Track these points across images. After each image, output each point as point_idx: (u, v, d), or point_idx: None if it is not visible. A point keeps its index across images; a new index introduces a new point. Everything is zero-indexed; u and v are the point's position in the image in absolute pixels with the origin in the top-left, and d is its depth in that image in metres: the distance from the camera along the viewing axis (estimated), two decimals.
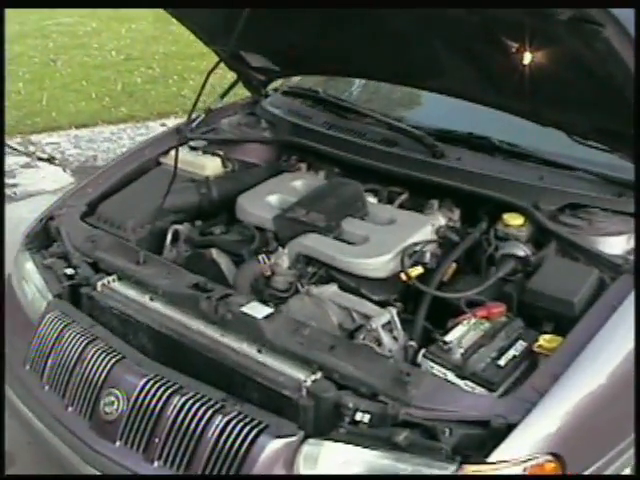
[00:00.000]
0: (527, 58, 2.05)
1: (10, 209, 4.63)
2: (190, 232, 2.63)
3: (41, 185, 5.46)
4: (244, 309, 2.15)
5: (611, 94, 2.09)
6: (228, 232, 2.62)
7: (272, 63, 3.21)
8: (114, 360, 2.12)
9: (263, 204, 2.64)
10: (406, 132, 2.84)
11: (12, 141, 6.15)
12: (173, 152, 3.03)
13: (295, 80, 3.50)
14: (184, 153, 3.03)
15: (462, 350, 2.00)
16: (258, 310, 2.16)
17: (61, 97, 7.31)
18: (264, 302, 2.35)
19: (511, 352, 2.03)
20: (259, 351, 2.07)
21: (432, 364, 2.00)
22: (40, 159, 5.94)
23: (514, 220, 2.46)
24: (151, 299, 2.32)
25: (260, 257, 2.37)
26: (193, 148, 3.06)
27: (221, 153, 3.03)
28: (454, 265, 2.38)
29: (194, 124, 3.25)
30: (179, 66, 8.29)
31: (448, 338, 2.04)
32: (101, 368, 2.12)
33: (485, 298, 2.21)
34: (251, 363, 2.05)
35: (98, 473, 2.03)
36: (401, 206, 2.69)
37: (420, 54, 2.57)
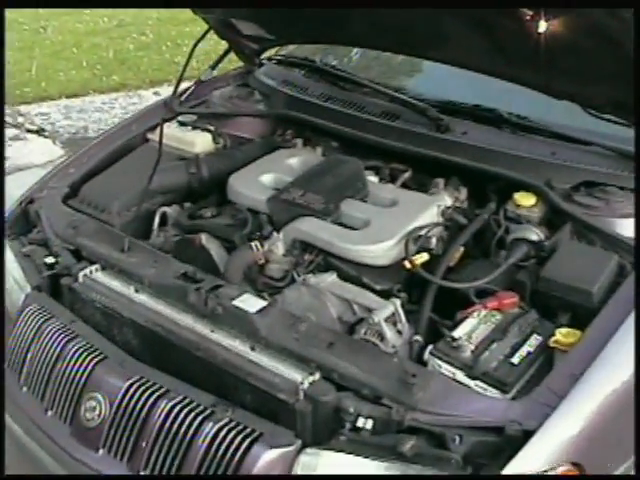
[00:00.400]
0: (542, 26, 1.86)
1: None
2: (179, 215, 2.46)
3: (30, 158, 5.29)
4: (236, 302, 1.99)
5: (632, 65, 1.91)
6: (219, 215, 2.44)
7: (265, 31, 3.00)
8: (96, 360, 1.96)
9: (256, 184, 2.47)
10: (408, 104, 2.66)
11: None
12: None
13: (290, 48, 3.30)
14: (172, 129, 2.86)
15: (472, 347, 1.85)
16: (251, 303, 1.99)
17: (51, 66, 7.11)
18: (258, 292, 2.20)
19: (525, 348, 1.87)
20: (252, 348, 1.92)
21: (440, 362, 1.84)
22: (29, 131, 5.76)
23: (526, 200, 2.29)
24: (136, 290, 2.15)
25: (253, 244, 2.20)
26: (182, 123, 2.88)
27: (212, 128, 2.84)
28: (461, 249, 2.21)
29: (183, 97, 3.07)
30: (173, 32, 8.07)
31: (457, 333, 1.88)
32: (82, 369, 1.96)
33: (496, 287, 2.05)
34: (243, 362, 1.89)
35: None
36: (404, 185, 2.51)
37: (423, 21, 2.37)
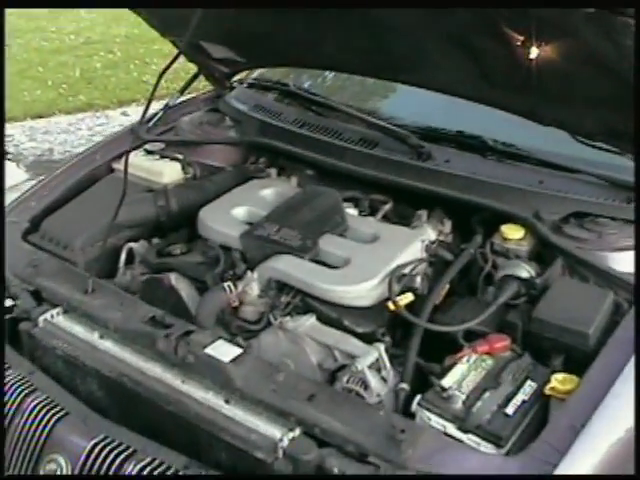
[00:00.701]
0: (534, 52, 1.75)
1: None
2: (146, 252, 2.31)
3: None
4: (208, 350, 1.85)
5: (628, 92, 1.80)
6: (189, 252, 2.30)
7: (235, 54, 2.88)
8: (56, 417, 1.80)
9: (228, 219, 2.32)
10: (387, 130, 2.54)
11: None
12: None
13: (263, 70, 3.17)
14: (139, 158, 2.71)
15: (463, 397, 1.72)
16: (224, 351, 1.85)
17: (15, 85, 6.91)
18: (232, 335, 2.06)
19: (519, 396, 1.75)
20: (227, 401, 1.78)
21: (429, 414, 1.71)
22: None
23: (513, 233, 2.17)
24: (101, 336, 2.01)
25: (226, 285, 2.05)
26: (149, 152, 2.73)
27: (180, 157, 2.70)
28: (447, 286, 2.09)
29: (150, 123, 2.93)
30: (141, 49, 7.92)
31: (446, 382, 1.75)
32: (41, 427, 1.80)
33: (486, 328, 1.93)
34: (218, 417, 1.75)
35: None
36: (385, 217, 2.38)
37: (401, 43, 2.26)
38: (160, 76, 2.13)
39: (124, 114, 6.33)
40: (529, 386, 1.78)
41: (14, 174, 5.24)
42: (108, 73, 7.28)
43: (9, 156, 5.49)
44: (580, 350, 1.83)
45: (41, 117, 6.26)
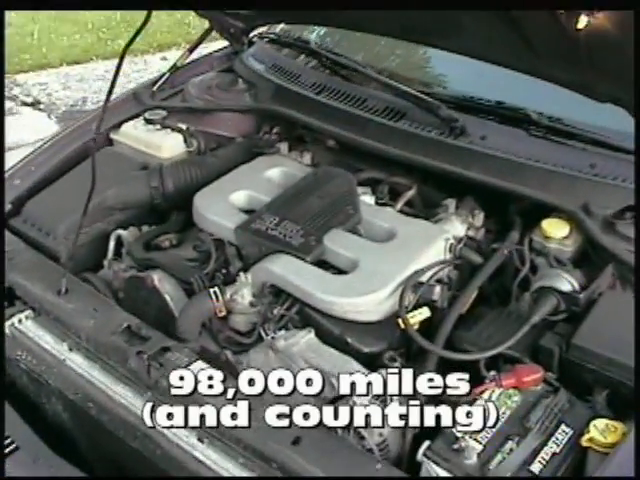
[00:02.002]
0: (582, 22, 1.38)
1: None
2: (132, 245, 2.03)
3: (22, 135, 4.87)
4: None
5: None
6: (180, 244, 2.01)
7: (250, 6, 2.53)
8: (6, 452, 1.56)
9: (225, 206, 2.02)
10: (416, 99, 2.18)
11: None
12: (125, 126, 2.46)
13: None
14: (138, 128, 2.42)
15: (479, 448, 1.41)
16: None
17: (55, 29, 6.66)
18: (221, 348, 1.79)
19: (550, 447, 1.43)
20: (200, 440, 1.51)
21: (436, 468, 1.41)
22: (24, 103, 5.34)
23: (556, 230, 1.83)
24: (70, 349, 1.76)
25: (212, 291, 1.76)
26: (149, 121, 2.43)
27: (184, 127, 2.39)
28: (474, 293, 1.77)
29: (156, 86, 2.62)
30: None
31: (460, 428, 1.44)
32: None
33: (516, 353, 1.61)
34: (187, 460, 1.50)
35: None
36: (408, 203, 2.05)
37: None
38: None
39: (163, 59, 6.04)
40: (562, 432, 1.46)
41: (44, 126, 5.01)
42: None
43: (41, 106, 5.27)
44: (629, 387, 1.50)
45: (77, 63, 6.00)
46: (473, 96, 2.18)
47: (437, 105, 2.13)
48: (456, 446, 1.41)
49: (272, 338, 1.69)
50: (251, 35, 2.80)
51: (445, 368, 1.64)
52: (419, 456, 1.43)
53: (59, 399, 1.69)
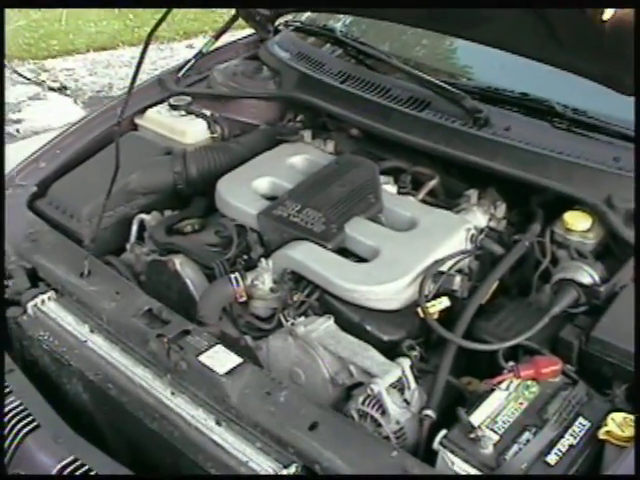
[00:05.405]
0: (607, 13, 1.37)
1: (10, 150, 4.11)
2: (154, 229, 2.04)
3: (48, 120, 4.92)
4: (203, 358, 1.59)
5: None
6: (202, 229, 2.02)
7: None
8: (26, 430, 1.58)
9: (247, 192, 2.03)
10: (441, 89, 2.17)
11: (23, 67, 5.59)
12: (150, 111, 2.47)
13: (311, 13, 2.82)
14: (162, 113, 2.44)
15: (496, 438, 1.41)
16: (221, 360, 1.59)
17: (83, 15, 6.68)
18: (241, 333, 1.80)
19: (567, 440, 1.43)
20: (218, 423, 1.53)
21: (452, 457, 1.41)
22: (51, 89, 5.37)
23: (579, 222, 1.82)
24: (91, 330, 1.78)
25: (233, 277, 1.77)
26: (173, 107, 2.44)
27: (208, 113, 2.41)
28: (495, 284, 1.77)
29: (181, 72, 2.64)
30: None
31: (476, 418, 1.45)
32: (10, 438, 1.58)
33: (535, 345, 1.60)
34: (205, 442, 1.51)
35: None
36: (431, 193, 2.05)
37: None
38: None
39: (190, 47, 6.04)
40: (580, 425, 1.46)
41: (71, 111, 5.05)
42: None
43: (67, 91, 5.30)
44: None
45: (104, 49, 6.02)
46: (497, 87, 2.17)
47: (461, 95, 2.12)
48: (472, 435, 1.41)
49: (292, 324, 1.70)
50: (277, 23, 2.80)
51: (464, 361, 1.65)
52: (435, 444, 1.43)
53: (80, 380, 1.71)
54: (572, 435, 1.44)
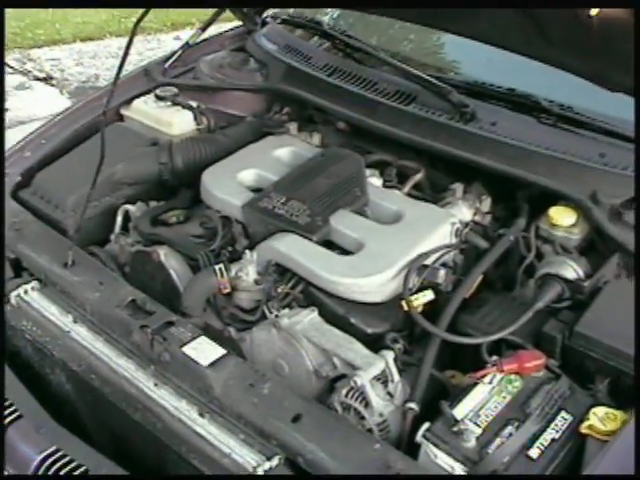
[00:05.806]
0: (593, 10, 1.38)
1: None
2: (139, 220, 2.03)
3: (34, 110, 4.88)
4: (186, 349, 1.59)
5: None
6: (187, 221, 2.02)
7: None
8: (8, 420, 1.57)
9: (233, 184, 2.02)
10: (427, 83, 2.17)
11: (9, 57, 5.55)
12: (136, 102, 2.46)
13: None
14: (149, 104, 2.42)
15: (479, 431, 1.41)
16: (204, 351, 1.59)
17: None
18: (225, 325, 1.80)
19: (549, 434, 1.43)
20: (201, 415, 1.52)
21: (435, 450, 1.41)
22: (37, 78, 5.34)
23: (563, 217, 1.83)
24: (75, 320, 1.77)
25: (217, 268, 1.77)
26: (160, 97, 2.43)
27: (194, 105, 2.39)
28: (479, 278, 1.77)
29: (168, 63, 2.62)
30: None
31: (459, 411, 1.45)
32: None
33: (518, 339, 1.61)
34: (188, 434, 1.50)
35: None
36: (416, 187, 2.05)
37: None
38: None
39: (177, 38, 6.02)
40: (562, 419, 1.46)
41: (56, 101, 5.02)
42: None
43: (53, 81, 5.26)
44: (631, 376, 1.50)
45: (91, 40, 5.99)
46: (484, 82, 2.17)
47: (448, 90, 2.12)
48: (455, 429, 1.41)
49: (276, 316, 1.70)
50: (264, 15, 2.80)
51: (448, 354, 1.66)
52: (418, 437, 1.43)
53: (63, 370, 1.70)
54: (554, 429, 1.44)
